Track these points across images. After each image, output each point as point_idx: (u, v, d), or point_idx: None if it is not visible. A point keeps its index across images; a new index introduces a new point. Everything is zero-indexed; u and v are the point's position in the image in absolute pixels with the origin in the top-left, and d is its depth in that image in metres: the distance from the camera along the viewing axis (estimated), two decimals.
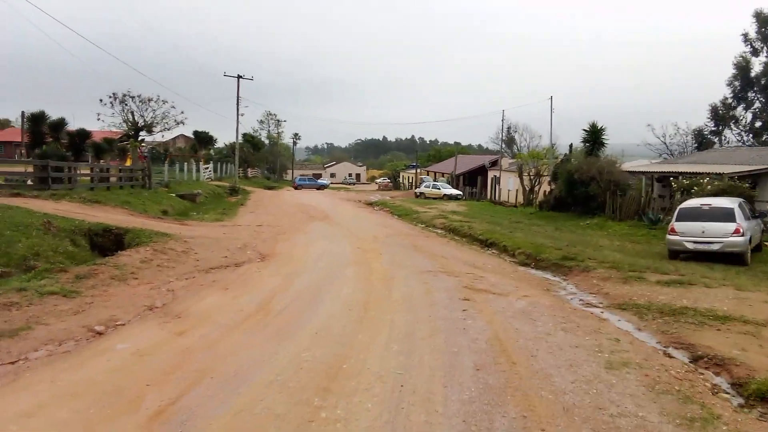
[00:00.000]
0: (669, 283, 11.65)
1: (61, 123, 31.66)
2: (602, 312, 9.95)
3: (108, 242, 14.73)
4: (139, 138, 44.00)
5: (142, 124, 42.57)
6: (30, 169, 21.57)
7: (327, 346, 6.17)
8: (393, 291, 9.35)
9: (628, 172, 29.18)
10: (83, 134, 34.27)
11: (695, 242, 14.54)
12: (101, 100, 40.81)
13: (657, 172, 28.20)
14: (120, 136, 43.73)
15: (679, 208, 15.68)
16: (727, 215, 14.30)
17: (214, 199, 35.36)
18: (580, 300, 10.91)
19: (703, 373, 6.82)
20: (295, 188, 64.24)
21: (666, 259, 15.02)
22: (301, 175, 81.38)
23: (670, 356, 7.23)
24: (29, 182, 20.95)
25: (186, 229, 17.62)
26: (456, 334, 6.77)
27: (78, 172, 24.83)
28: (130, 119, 42.17)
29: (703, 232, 14.41)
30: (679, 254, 15.10)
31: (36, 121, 29.62)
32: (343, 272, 11.13)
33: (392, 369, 5.49)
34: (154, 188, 31.02)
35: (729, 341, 7.95)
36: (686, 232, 14.70)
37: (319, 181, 75.28)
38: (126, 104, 41.73)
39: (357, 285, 9.87)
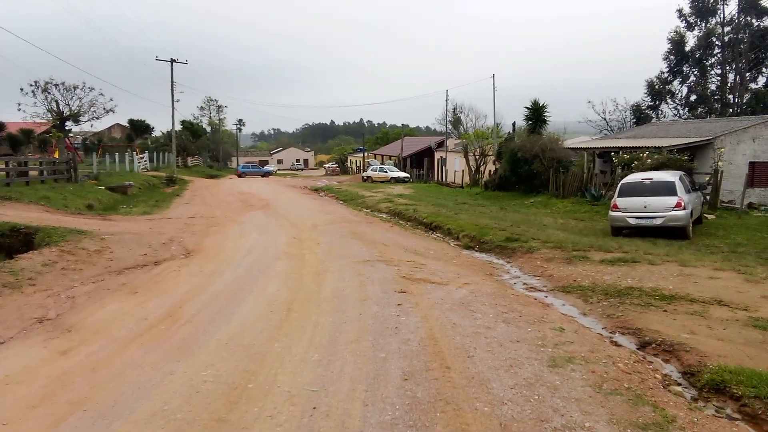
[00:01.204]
0: (613, 261, 11.30)
1: None
2: (546, 296, 9.46)
3: (16, 243, 13.31)
4: (66, 128, 41.32)
5: (68, 113, 39.89)
6: None
7: (234, 361, 5.32)
8: (323, 287, 8.54)
9: (570, 148, 29.19)
10: None
11: (638, 218, 14.33)
12: (22, 89, 38.00)
13: (598, 147, 28.31)
14: (48, 127, 40.95)
15: (620, 183, 15.45)
16: (668, 189, 14.12)
17: (148, 191, 33.48)
18: (524, 284, 10.41)
19: (652, 362, 6.35)
20: (239, 176, 62.27)
21: (609, 236, 14.79)
22: (245, 162, 79.09)
23: (617, 344, 6.74)
24: None
25: (107, 225, 16.25)
26: (386, 335, 6.04)
27: None
28: (55, 108, 39.45)
29: (645, 207, 14.20)
30: (621, 230, 14.89)
31: None
32: (272, 267, 10.25)
33: (306, 385, 4.70)
34: (82, 181, 29.01)
35: (677, 323, 7.55)
36: (628, 208, 14.46)
37: (264, 168, 73.33)
38: (49, 92, 39.02)
39: (285, 281, 9.01)
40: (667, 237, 14.01)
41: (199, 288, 8.61)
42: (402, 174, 49.01)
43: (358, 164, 74.81)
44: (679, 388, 5.67)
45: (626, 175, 21.39)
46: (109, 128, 78.66)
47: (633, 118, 51.37)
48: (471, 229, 16.32)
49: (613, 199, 15.15)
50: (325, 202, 27.93)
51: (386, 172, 48.91)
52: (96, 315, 7.21)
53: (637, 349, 6.89)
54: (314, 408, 4.25)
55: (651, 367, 6.10)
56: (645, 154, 21.96)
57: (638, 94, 65.34)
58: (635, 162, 21.90)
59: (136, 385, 4.79)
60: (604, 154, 28.54)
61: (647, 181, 14.65)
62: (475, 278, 9.88)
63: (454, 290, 8.45)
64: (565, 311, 8.47)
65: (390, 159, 65.19)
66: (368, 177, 49.04)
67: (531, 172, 27.04)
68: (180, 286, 8.80)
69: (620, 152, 24.86)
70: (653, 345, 6.99)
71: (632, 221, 14.43)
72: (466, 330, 6.33)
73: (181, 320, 6.82)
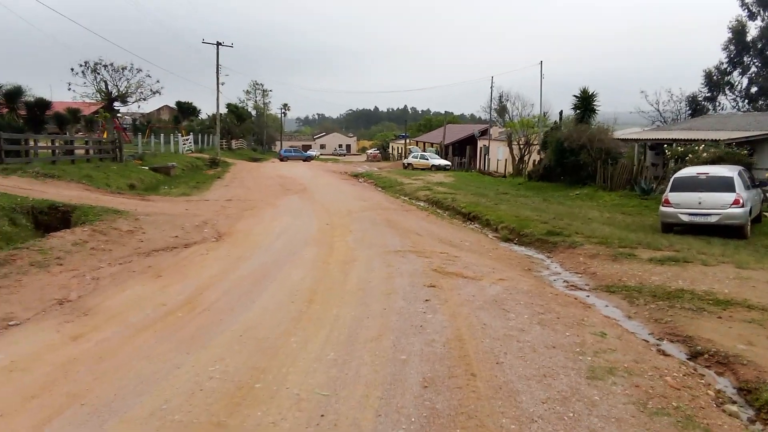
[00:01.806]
0: (662, 260, 10.55)
1: (17, 92, 29.53)
2: (588, 296, 8.86)
3: (54, 220, 13.46)
4: (115, 108, 42.16)
5: (116, 93, 40.62)
6: None
7: (246, 355, 5.00)
8: (349, 277, 8.17)
9: (620, 139, 27.90)
10: (42, 104, 32.22)
11: (691, 214, 13.41)
12: (72, 69, 38.83)
13: (650, 139, 26.97)
14: (98, 107, 41.88)
15: (673, 177, 14.50)
16: (725, 185, 13.14)
17: (191, 172, 33.86)
18: (564, 282, 9.81)
19: (704, 376, 5.73)
20: (281, 160, 62.64)
21: (659, 233, 13.91)
22: (287, 147, 79.54)
23: (664, 354, 6.14)
24: None
25: (144, 205, 16.33)
26: (409, 334, 5.62)
27: (37, 144, 23.33)
28: (104, 89, 40.22)
29: (699, 203, 13.27)
30: (673, 227, 13.99)
31: None
32: (299, 254, 9.95)
33: (317, 388, 4.33)
34: (127, 161, 29.52)
35: (732, 332, 6.86)
36: (681, 204, 13.55)
37: (306, 152, 73.56)
38: (98, 73, 39.76)
39: (310, 270, 8.68)
40: (723, 236, 13.06)
41: (223, 273, 8.37)
42: (443, 162, 48.26)
43: (400, 151, 74.22)
44: (734, 408, 5.06)
45: (680, 169, 20.30)
46: (158, 110, 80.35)
47: (688, 110, 48.99)
48: (511, 220, 15.69)
49: (664, 194, 14.24)
50: (363, 188, 27.60)
51: (427, 159, 48.25)
52: (116, 298, 7.04)
53: (687, 359, 6.27)
54: (322, 416, 3.88)
55: (703, 381, 5.50)
56: (701, 147, 20.72)
57: (694, 85, 62.18)
58: (689, 155, 20.69)
59: (140, 378, 4.53)
60: (657, 146, 27.18)
61: (703, 176, 13.69)
62: (511, 273, 9.34)
63: (488, 286, 7.94)
64: (608, 313, 7.87)
65: (432, 146, 64.40)
66: (409, 164, 48.50)
67: (577, 162, 25.99)
68: (205, 270, 8.59)
69: (674, 144, 23.57)
70: (705, 356, 6.35)
71: (685, 218, 13.52)
72: (497, 332, 5.85)
73: (200, 307, 6.57)
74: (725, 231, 13.19)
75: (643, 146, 28.01)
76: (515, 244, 13.72)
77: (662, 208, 14.04)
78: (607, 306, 8.32)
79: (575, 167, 26.46)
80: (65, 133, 30.10)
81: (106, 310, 6.53)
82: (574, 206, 20.41)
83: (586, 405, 4.30)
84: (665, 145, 24.05)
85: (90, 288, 7.61)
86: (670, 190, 13.96)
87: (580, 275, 10.28)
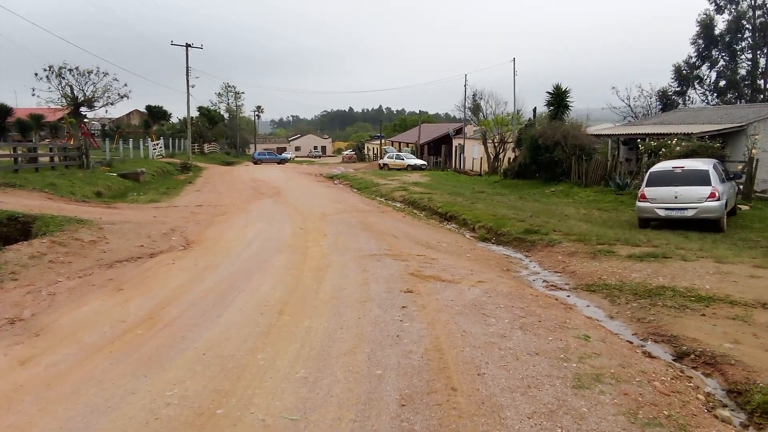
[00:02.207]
0: (642, 257, 10.41)
1: None
2: (569, 296, 8.65)
3: (14, 232, 12.81)
4: (82, 114, 41.09)
5: (82, 98, 39.60)
6: None
7: (208, 377, 4.62)
8: (323, 285, 7.82)
9: (594, 135, 28.02)
10: (3, 111, 31.18)
11: (667, 209, 13.35)
12: (36, 74, 37.70)
13: (623, 134, 27.10)
14: (65, 113, 40.75)
15: (649, 172, 14.44)
16: (701, 178, 13.10)
17: (161, 178, 33.05)
18: (544, 281, 9.60)
19: (692, 378, 5.52)
20: (255, 163, 61.81)
21: (636, 228, 13.83)
22: (261, 149, 78.57)
23: (650, 356, 5.92)
24: None
25: (110, 213, 15.73)
26: (385, 346, 5.29)
27: None
28: (69, 94, 39.20)
29: (675, 197, 13.21)
30: (650, 222, 13.92)
31: None
32: (271, 261, 9.55)
33: (285, 412, 3.98)
34: (94, 168, 28.65)
35: (717, 330, 6.69)
36: (657, 198, 13.48)
37: (280, 155, 72.74)
38: (63, 77, 38.76)
39: (282, 278, 8.30)
40: (700, 230, 13.02)
41: (188, 285, 7.94)
42: (419, 161, 48.11)
43: (376, 151, 73.91)
44: (726, 412, 4.85)
45: (654, 163, 20.31)
46: (128, 114, 78.84)
47: (659, 105, 49.60)
48: (488, 219, 15.49)
49: (640, 189, 14.17)
50: (338, 191, 27.22)
51: (403, 159, 48.05)
52: (71, 315, 6.58)
53: (674, 360, 6.07)
54: None
55: (691, 384, 5.29)
56: (673, 141, 20.81)
57: (664, 80, 63.08)
58: (663, 149, 20.76)
59: (90, 407, 4.12)
60: (629, 141, 27.34)
61: (678, 170, 13.64)
62: (490, 275, 9.08)
63: (467, 290, 7.67)
64: (590, 314, 7.66)
65: (407, 146, 64.24)
66: (385, 164, 48.24)
67: (552, 159, 25.98)
68: (169, 282, 8.14)
69: (646, 139, 23.67)
70: (692, 356, 6.16)
71: (661, 212, 13.45)
72: (477, 339, 5.56)
73: (161, 323, 6.15)
74: (702, 225, 13.15)
75: (616, 141, 28.16)
76: (493, 243, 13.51)
77: (639, 203, 13.96)
78: (588, 306, 8.12)
79: (550, 164, 26.46)
80: (30, 140, 29.12)
81: (60, 329, 6.07)
82: (550, 203, 20.33)
83: (575, 418, 4.03)
84: (638, 140, 24.16)
85: (45, 305, 7.12)
86: (646, 185, 13.89)
87: (559, 274, 10.08)
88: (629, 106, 52.15)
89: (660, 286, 8.52)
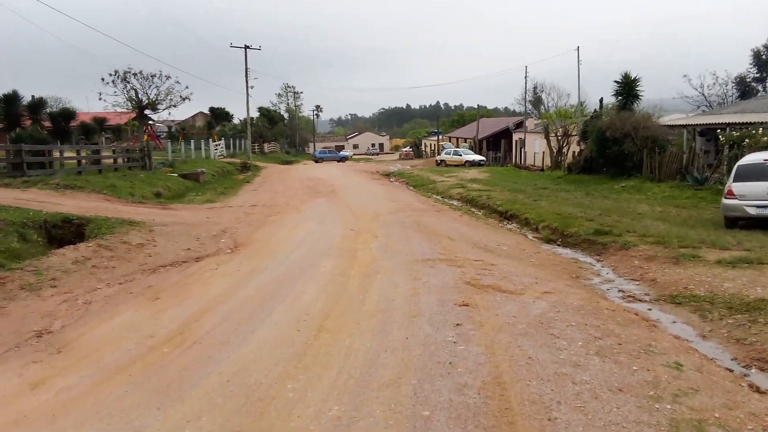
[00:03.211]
0: (733, 262, 9.13)
1: (39, 103, 29.50)
2: (650, 309, 7.58)
3: (69, 234, 12.83)
4: (147, 116, 42.16)
5: (146, 101, 40.59)
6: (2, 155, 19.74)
7: (228, 411, 3.99)
8: (369, 294, 7.11)
9: (667, 126, 26.08)
10: (66, 114, 32.19)
11: (759, 206, 11.86)
12: (103, 79, 38.85)
13: (700, 124, 25.06)
14: (130, 116, 41.99)
15: (737, 165, 12.92)
16: None
17: (221, 177, 33.36)
18: (620, 291, 8.52)
19: None
20: (316, 161, 62.16)
21: (722, 229, 12.39)
22: (322, 148, 79.07)
23: (759, 391, 4.85)
24: (1, 169, 19.16)
25: (164, 214, 15.65)
26: (435, 376, 4.51)
27: (62, 155, 23.08)
28: (134, 97, 40.24)
29: None
30: (737, 222, 12.44)
31: (9, 102, 27.51)
32: (317, 266, 8.93)
33: None
34: (156, 168, 29.19)
35: None
36: (747, 195, 12.00)
37: (339, 153, 72.85)
38: (128, 81, 39.78)
39: (326, 286, 7.65)
40: None
41: (227, 293, 7.42)
42: (477, 157, 46.77)
43: (433, 148, 72.83)
44: None
45: (738, 156, 18.52)
46: (193, 116, 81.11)
47: (737, 92, 46.18)
48: (552, 218, 14.37)
49: (727, 184, 12.70)
50: (393, 188, 26.53)
51: (460, 155, 46.85)
52: (100, 329, 6.15)
53: None
54: None
55: None
56: (759, 131, 18.91)
57: (741, 66, 58.74)
58: (747, 140, 18.92)
59: None
60: (707, 131, 25.26)
61: None
62: (557, 284, 8.11)
63: (531, 303, 6.76)
64: (678, 332, 6.60)
65: (465, 141, 62.88)
66: (442, 161, 47.19)
67: (621, 152, 24.28)
68: (209, 289, 7.65)
69: (727, 129, 21.72)
70: None
71: (752, 211, 11.97)
72: (546, 368, 4.69)
73: (190, 339, 5.61)
74: None
75: (692, 132, 26.10)
76: (559, 245, 12.43)
77: (725, 201, 12.50)
78: (674, 323, 7.04)
79: (619, 157, 24.77)
80: (95, 143, 30.03)
81: (84, 345, 5.63)
82: (620, 200, 18.88)
83: None
84: (718, 130, 22.20)
85: (78, 315, 6.76)
86: (734, 180, 12.41)
87: (637, 282, 8.97)
88: (703, 94, 48.81)
89: (759, 298, 7.32)
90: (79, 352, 5.42)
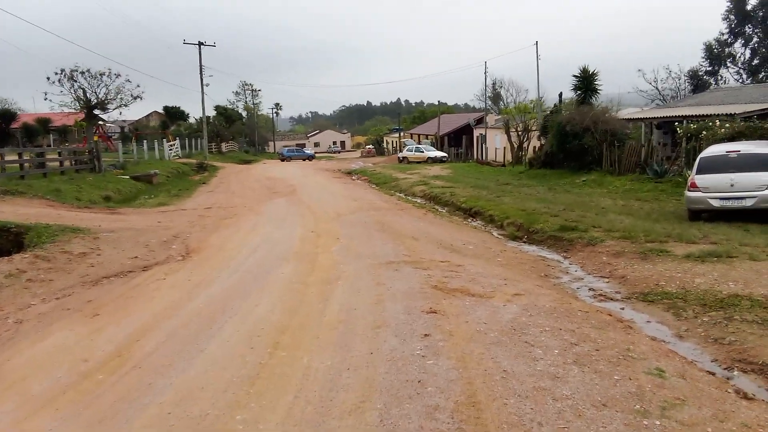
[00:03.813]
0: (702, 256, 8.99)
1: None
2: (623, 308, 7.32)
3: (6, 243, 11.90)
4: (97, 116, 40.42)
5: (95, 101, 38.90)
6: None
7: None
8: (330, 304, 6.61)
9: (626, 119, 26.35)
10: (8, 115, 30.51)
11: (722, 198, 11.86)
12: (48, 78, 37.01)
13: (658, 117, 25.41)
14: (77, 117, 40.13)
15: (699, 157, 12.91)
16: (761, 163, 11.59)
17: (176, 179, 32.20)
18: (590, 290, 8.26)
19: None
20: (282, 160, 61.25)
21: (687, 222, 12.35)
22: (287, 146, 77.93)
23: (746, 397, 4.57)
24: None
25: (112, 220, 14.76)
26: (404, 398, 4.06)
27: (3, 158, 21.72)
28: (82, 96, 38.50)
29: (732, 185, 11.71)
30: (701, 214, 12.43)
31: None
32: (274, 273, 8.38)
33: None
34: (106, 171, 27.91)
35: None
36: (711, 187, 11.98)
37: (306, 151, 71.81)
38: (75, 80, 38.02)
39: (283, 296, 7.12)
40: (762, 222, 11.50)
41: (174, 307, 6.81)
42: (439, 153, 46.66)
43: (395, 145, 72.58)
44: None
45: (695, 148, 18.74)
46: (148, 116, 78.69)
47: (690, 86, 47.33)
48: (517, 215, 14.14)
49: (690, 177, 12.67)
50: (355, 187, 26.03)
51: (423, 152, 46.67)
52: (29, 352, 5.48)
53: None
54: None
55: None
56: (716, 123, 19.16)
57: (693, 61, 60.30)
58: (704, 132, 19.13)
59: None
60: (663, 124, 25.63)
61: (734, 154, 12.12)
62: (527, 285, 7.78)
63: (502, 307, 6.39)
64: (654, 333, 6.34)
65: (427, 138, 62.83)
66: (404, 158, 46.90)
67: (581, 146, 24.38)
68: (154, 304, 7.02)
69: (684, 122, 22.02)
70: None
71: (715, 203, 11.96)
72: (523, 383, 4.30)
73: (129, 363, 5.01)
74: (763, 216, 11.62)
75: (649, 126, 26.45)
76: (525, 242, 12.18)
77: (688, 194, 12.46)
78: (649, 322, 6.78)
79: (579, 152, 24.86)
80: (38, 146, 28.50)
81: (9, 372, 4.97)
82: (583, 194, 18.87)
83: None
84: (675, 123, 22.48)
85: (6, 336, 6.06)
86: (697, 172, 12.38)
87: (606, 280, 8.73)
88: (657, 88, 49.88)
89: (733, 294, 7.14)
90: (2, 382, 4.76)
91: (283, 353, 5.05)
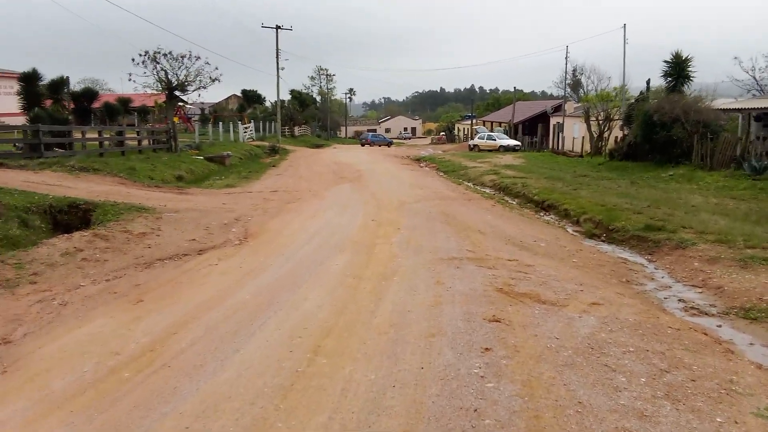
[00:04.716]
0: None
1: (61, 82, 28.95)
2: (719, 326, 6.31)
3: (75, 220, 12.12)
4: (178, 97, 41.70)
5: (176, 82, 40.08)
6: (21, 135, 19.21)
7: None
8: (382, 302, 6.03)
9: (720, 110, 24.12)
10: (90, 94, 31.66)
11: None
12: (133, 59, 38.45)
13: (758, 108, 23.04)
14: (157, 98, 41.59)
15: None
16: None
17: (248, 161, 32.63)
18: (680, 301, 7.25)
19: None
20: (362, 145, 62.44)
21: None
22: (374, 132, 78.83)
23: None
24: (18, 150, 18.63)
25: (179, 200, 14.84)
26: (456, 431, 3.41)
27: (84, 136, 22.53)
28: (163, 78, 39.77)
29: None
30: None
31: (29, 81, 26.99)
32: (327, 264, 7.89)
33: None
34: (182, 151, 28.60)
35: None
36: None
37: (385, 138, 72.08)
38: (158, 62, 39.30)
39: (334, 289, 6.61)
40: None
41: (220, 296, 6.44)
42: (512, 142, 45.00)
43: (466, 132, 70.99)
44: None
45: None
46: (227, 99, 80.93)
47: None
48: (595, 210, 13.02)
49: None
50: (423, 174, 25.33)
51: (494, 140, 45.15)
52: (62, 340, 5.24)
53: None
54: None
55: None
56: None
57: None
58: None
59: None
60: (763, 116, 23.26)
61: None
62: (606, 292, 6.89)
63: (577, 318, 5.59)
64: (759, 359, 5.34)
65: (500, 126, 60.94)
66: (475, 145, 45.56)
67: (669, 138, 22.52)
68: (200, 292, 6.69)
69: None
70: None
71: None
72: (602, 421, 3.55)
73: (159, 360, 4.63)
74: None
75: (746, 117, 24.10)
76: (603, 241, 11.12)
77: None
78: (752, 345, 5.78)
79: (666, 143, 23.01)
80: (120, 125, 29.56)
81: (36, 362, 4.71)
82: (669, 190, 17.31)
83: None
84: None
85: (47, 320, 5.87)
86: None
87: (699, 290, 7.67)
88: (754, 78, 45.73)
89: None
90: (27, 372, 4.51)
91: (323, 361, 4.51)
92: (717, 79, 41.07)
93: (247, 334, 5.16)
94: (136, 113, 40.07)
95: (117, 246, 9.14)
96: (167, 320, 5.65)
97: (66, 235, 9.57)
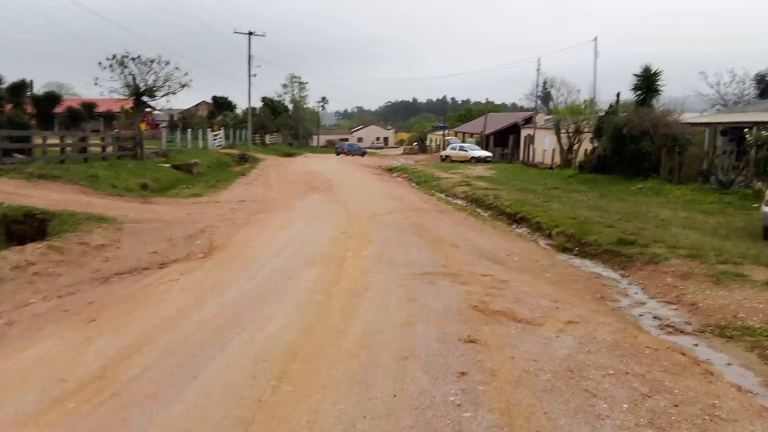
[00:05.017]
0: None
1: (22, 85, 28.02)
2: (696, 345, 6.21)
3: (30, 230, 11.51)
4: (145, 103, 40.74)
5: (144, 87, 39.18)
6: None
7: None
8: (353, 322, 5.75)
9: (688, 124, 24.57)
10: (52, 98, 30.73)
11: None
12: (100, 63, 37.42)
13: (724, 122, 23.56)
14: (123, 104, 40.59)
15: None
16: None
17: (216, 169, 31.98)
18: (656, 318, 7.15)
19: None
20: (337, 153, 61.99)
21: (762, 240, 11.00)
22: (350, 142, 78.43)
23: None
24: None
25: (142, 210, 14.33)
26: None
27: (45, 142, 21.73)
28: (131, 83, 38.82)
29: None
30: None
31: None
32: (295, 279, 7.58)
33: None
34: (148, 158, 27.88)
35: None
36: None
37: (360, 147, 71.72)
38: (126, 66, 38.36)
39: (302, 307, 6.30)
40: None
41: (179, 316, 6.07)
42: (483, 153, 45.23)
43: (438, 142, 71.29)
44: None
45: (765, 157, 17.15)
46: (197, 105, 79.72)
47: (756, 91, 44.36)
48: (567, 223, 12.97)
49: None
50: (395, 185, 25.15)
51: (466, 150, 45.33)
52: (5, 365, 4.82)
53: None
54: None
55: None
56: None
57: (761, 64, 56.86)
58: None
59: None
60: (729, 131, 23.76)
61: None
62: (582, 309, 6.73)
63: (554, 338, 5.40)
64: (738, 380, 5.23)
65: (472, 137, 61.39)
66: (447, 156, 45.68)
67: (638, 151, 22.81)
68: (158, 310, 6.30)
69: (754, 128, 20.25)
70: None
71: None
72: None
73: (109, 389, 4.26)
74: None
75: (713, 131, 24.60)
76: (576, 255, 11.04)
77: (766, 209, 11.09)
78: (730, 365, 5.67)
79: (635, 157, 23.30)
80: (84, 131, 28.66)
81: None
82: (639, 203, 17.46)
83: None
84: (745, 129, 20.69)
85: None
86: None
87: (674, 307, 7.58)
88: (719, 92, 46.99)
89: None
90: None
91: (289, 387, 4.21)
92: (684, 93, 42.03)
93: (207, 358, 4.82)
94: (101, 119, 38.99)
95: (72, 259, 8.67)
96: (121, 342, 5.26)
97: (18, 246, 9.05)
